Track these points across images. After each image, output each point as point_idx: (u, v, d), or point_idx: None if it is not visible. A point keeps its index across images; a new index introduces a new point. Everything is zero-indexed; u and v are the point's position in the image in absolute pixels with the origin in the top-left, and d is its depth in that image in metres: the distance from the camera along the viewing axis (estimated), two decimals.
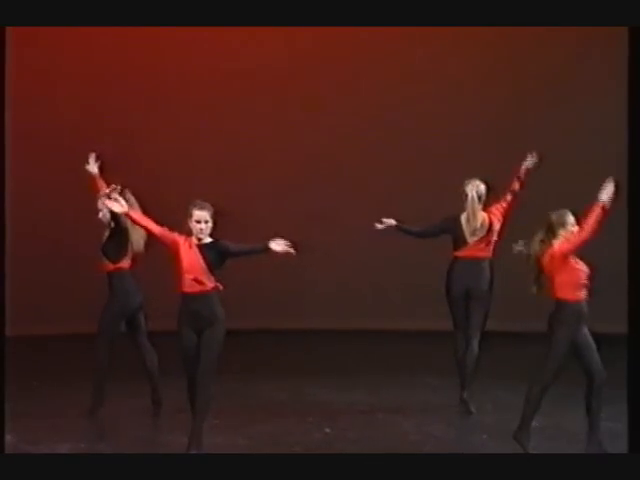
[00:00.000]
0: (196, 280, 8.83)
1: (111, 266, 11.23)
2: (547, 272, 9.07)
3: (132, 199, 10.73)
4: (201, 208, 8.94)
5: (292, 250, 8.69)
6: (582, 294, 9.24)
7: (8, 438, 9.55)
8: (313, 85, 18.73)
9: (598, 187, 14.71)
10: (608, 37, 16.38)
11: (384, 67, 18.62)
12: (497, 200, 11.04)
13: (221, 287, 9.01)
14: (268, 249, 8.71)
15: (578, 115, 18.35)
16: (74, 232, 17.86)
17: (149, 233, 9.32)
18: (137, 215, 9.28)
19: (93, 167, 11.35)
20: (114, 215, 10.37)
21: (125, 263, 11.19)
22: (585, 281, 9.24)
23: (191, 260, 8.89)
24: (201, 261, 8.88)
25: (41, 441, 10.06)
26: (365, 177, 18.44)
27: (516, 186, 10.89)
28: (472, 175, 11.35)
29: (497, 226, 10.84)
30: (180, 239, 8.96)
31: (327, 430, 10.02)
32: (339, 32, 16.14)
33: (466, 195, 10.76)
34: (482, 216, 10.80)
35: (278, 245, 8.72)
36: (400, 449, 9.65)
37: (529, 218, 15.67)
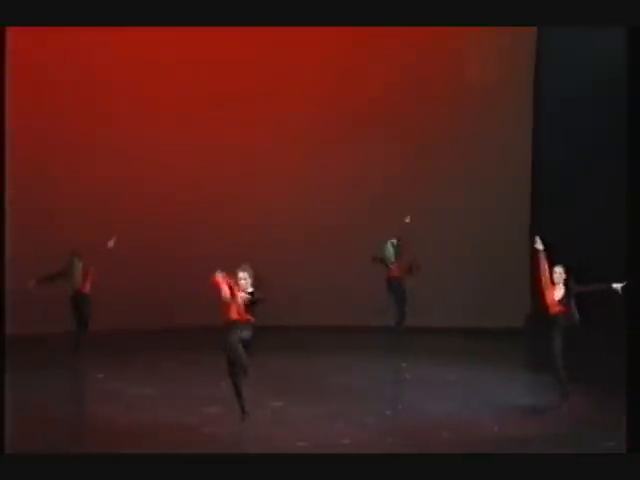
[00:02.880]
0: (239, 312, 11.88)
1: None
2: None
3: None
4: (242, 270, 11.97)
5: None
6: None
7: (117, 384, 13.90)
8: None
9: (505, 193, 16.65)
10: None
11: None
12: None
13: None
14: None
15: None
16: (73, 235, 18.05)
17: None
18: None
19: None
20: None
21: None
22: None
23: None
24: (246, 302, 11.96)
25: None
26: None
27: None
28: None
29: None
30: (232, 283, 11.95)
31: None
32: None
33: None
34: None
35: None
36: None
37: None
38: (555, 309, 12.86)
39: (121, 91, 18.48)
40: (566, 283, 12.86)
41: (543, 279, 12.90)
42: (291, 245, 19.13)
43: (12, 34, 11.14)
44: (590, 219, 18.11)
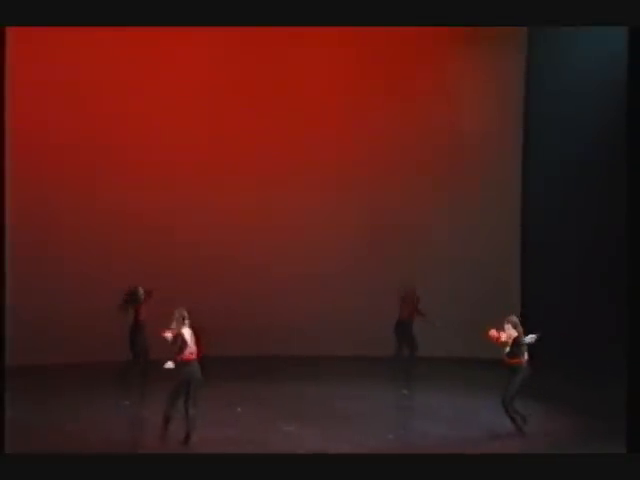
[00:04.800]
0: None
1: None
2: None
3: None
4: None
5: None
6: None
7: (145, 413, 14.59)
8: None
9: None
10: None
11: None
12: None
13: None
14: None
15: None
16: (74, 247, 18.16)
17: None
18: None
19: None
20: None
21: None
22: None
23: None
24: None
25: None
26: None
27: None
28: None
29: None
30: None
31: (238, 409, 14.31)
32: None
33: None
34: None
35: None
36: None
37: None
38: (513, 361, 13.51)
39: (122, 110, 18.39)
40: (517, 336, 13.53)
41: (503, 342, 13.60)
42: (304, 279, 19.26)
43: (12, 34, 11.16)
44: (579, 256, 18.38)
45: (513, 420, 13.34)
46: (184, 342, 12.60)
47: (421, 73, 19.39)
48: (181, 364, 12.55)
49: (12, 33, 11.15)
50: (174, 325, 12.64)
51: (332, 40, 18.37)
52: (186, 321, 12.71)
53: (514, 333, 13.39)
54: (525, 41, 19.15)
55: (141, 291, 16.23)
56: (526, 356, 13.45)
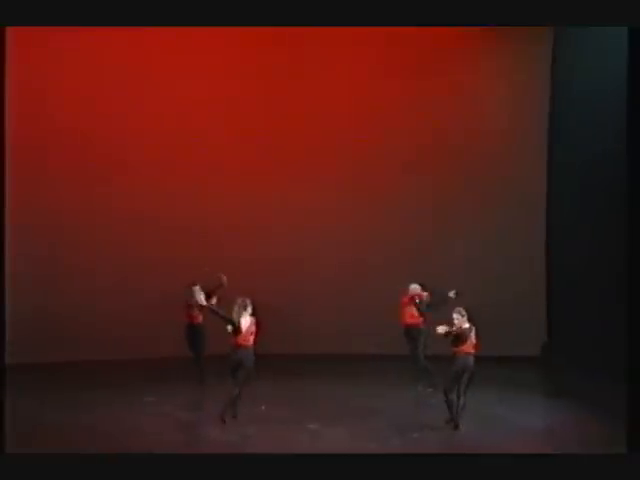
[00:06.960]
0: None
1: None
2: None
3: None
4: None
5: None
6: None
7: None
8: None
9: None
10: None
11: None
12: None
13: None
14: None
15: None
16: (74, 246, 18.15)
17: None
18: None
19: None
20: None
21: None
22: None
23: None
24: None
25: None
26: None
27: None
28: None
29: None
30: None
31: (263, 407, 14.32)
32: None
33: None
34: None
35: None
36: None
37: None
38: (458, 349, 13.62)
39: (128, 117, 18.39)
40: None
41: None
42: (319, 279, 19.15)
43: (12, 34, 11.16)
44: (604, 251, 18.00)
45: (450, 408, 13.31)
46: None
47: (443, 72, 19.13)
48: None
49: (12, 33, 11.16)
50: (235, 313, 13.09)
51: (350, 39, 18.27)
52: (248, 309, 13.19)
53: (465, 323, 13.38)
54: (551, 41, 18.91)
55: (197, 292, 15.12)
56: (469, 345, 13.39)
